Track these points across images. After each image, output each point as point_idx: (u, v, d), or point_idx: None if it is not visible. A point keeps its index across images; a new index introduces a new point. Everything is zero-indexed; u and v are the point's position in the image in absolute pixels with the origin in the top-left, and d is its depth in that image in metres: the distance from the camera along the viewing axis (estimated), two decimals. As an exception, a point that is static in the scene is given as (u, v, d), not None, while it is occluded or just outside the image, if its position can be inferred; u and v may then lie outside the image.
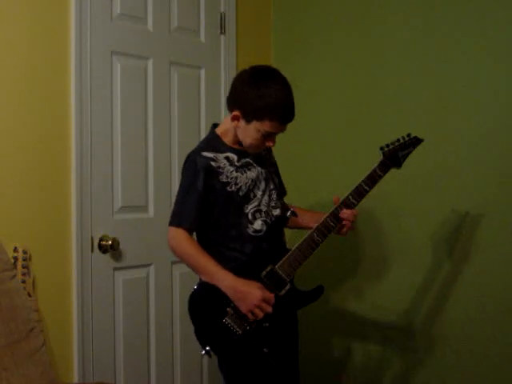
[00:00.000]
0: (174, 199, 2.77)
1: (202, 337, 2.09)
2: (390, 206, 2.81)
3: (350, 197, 2.10)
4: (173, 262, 2.80)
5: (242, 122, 2.08)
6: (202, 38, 2.98)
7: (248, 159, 2.18)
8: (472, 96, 2.60)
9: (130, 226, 2.66)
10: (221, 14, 3.05)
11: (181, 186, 2.15)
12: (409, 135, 2.14)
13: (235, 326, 2.04)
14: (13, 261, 2.17)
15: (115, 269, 2.61)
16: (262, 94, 2.04)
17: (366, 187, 2.10)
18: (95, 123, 2.53)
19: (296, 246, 2.10)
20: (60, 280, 2.42)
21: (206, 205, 2.10)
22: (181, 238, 2.08)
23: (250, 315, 2.02)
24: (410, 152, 2.15)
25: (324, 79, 3.09)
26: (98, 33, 2.54)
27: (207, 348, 2.06)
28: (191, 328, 2.76)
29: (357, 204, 2.11)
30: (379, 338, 2.91)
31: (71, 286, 2.45)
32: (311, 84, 3.12)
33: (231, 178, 2.12)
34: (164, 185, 2.80)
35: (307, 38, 3.15)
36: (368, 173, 2.10)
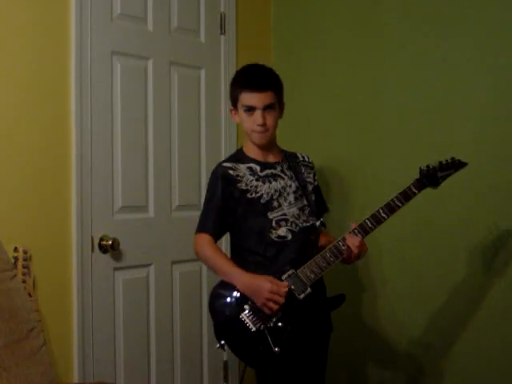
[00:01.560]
0: (174, 199, 2.83)
1: (219, 330, 2.14)
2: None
3: (381, 211, 2.11)
4: (173, 262, 2.80)
5: (237, 115, 2.22)
6: (202, 38, 2.98)
7: (275, 171, 2.24)
8: (472, 95, 2.59)
9: (130, 225, 2.66)
10: (221, 14, 3.05)
11: (206, 194, 2.27)
12: (453, 158, 2.16)
13: (250, 323, 2.08)
14: (13, 261, 2.16)
15: (115, 269, 2.61)
16: (234, 77, 2.27)
17: (398, 203, 2.12)
18: (95, 123, 2.53)
19: (320, 253, 2.12)
20: (60, 280, 2.42)
21: (228, 212, 2.20)
22: (203, 242, 2.19)
23: (265, 309, 2.06)
24: (450, 174, 2.16)
25: (324, 79, 3.09)
26: (98, 33, 2.54)
27: (222, 342, 2.11)
28: (191, 327, 2.77)
29: (387, 218, 2.12)
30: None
31: (71, 286, 2.45)
32: (311, 84, 3.12)
33: (251, 186, 2.19)
34: (164, 185, 2.80)
35: (307, 38, 3.15)
36: (402, 190, 2.13)
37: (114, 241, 2.55)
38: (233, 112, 2.26)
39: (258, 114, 2.15)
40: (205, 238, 2.19)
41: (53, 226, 2.40)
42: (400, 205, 2.11)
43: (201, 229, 2.21)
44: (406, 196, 2.12)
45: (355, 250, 2.10)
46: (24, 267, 2.22)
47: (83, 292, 2.47)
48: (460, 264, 2.65)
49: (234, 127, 3.04)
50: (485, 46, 2.56)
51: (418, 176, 2.15)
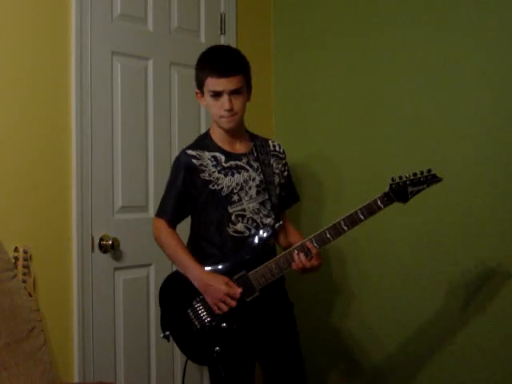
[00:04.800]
0: (174, 199, 2.82)
1: (165, 321, 2.19)
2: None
3: (342, 222, 2.02)
4: (173, 262, 2.80)
5: (203, 98, 2.17)
6: (202, 38, 2.98)
7: (240, 163, 2.19)
8: (472, 95, 2.59)
9: (130, 225, 2.67)
10: (221, 14, 3.05)
11: (167, 180, 2.25)
12: (429, 171, 2.02)
13: (195, 320, 2.11)
14: (13, 261, 2.17)
15: (115, 269, 2.61)
16: (199, 61, 2.19)
17: (361, 216, 2.01)
18: (95, 123, 2.53)
19: (274, 258, 2.09)
20: (60, 280, 2.42)
21: (189, 200, 2.19)
22: (161, 228, 2.19)
23: (215, 308, 2.07)
24: (422, 189, 2.02)
25: (324, 79, 3.09)
26: (99, 33, 2.54)
27: (167, 333, 2.16)
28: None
29: (347, 231, 2.02)
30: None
31: (72, 286, 2.45)
32: (311, 84, 3.12)
33: (213, 178, 2.16)
34: (164, 185, 2.79)
35: (307, 38, 3.15)
36: (367, 202, 2.01)
37: (114, 241, 2.56)
38: (199, 95, 2.19)
39: (224, 98, 2.08)
40: (162, 225, 2.18)
41: (53, 226, 2.41)
42: (363, 218, 2.01)
43: (159, 214, 2.21)
44: (370, 210, 2.01)
45: (307, 265, 2.05)
46: (24, 267, 2.22)
47: (83, 292, 2.47)
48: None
49: (234, 127, 3.04)
50: (485, 46, 2.56)
51: (393, 180, 2.02)
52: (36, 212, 2.35)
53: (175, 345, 2.78)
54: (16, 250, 2.23)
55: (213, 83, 2.09)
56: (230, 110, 2.10)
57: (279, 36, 3.27)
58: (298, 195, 2.37)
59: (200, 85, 2.16)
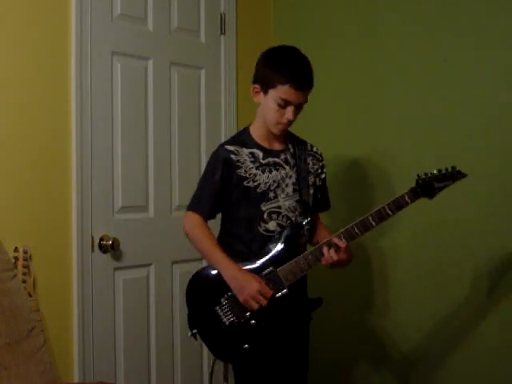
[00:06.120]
0: (174, 199, 2.82)
1: (192, 319, 2.16)
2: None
3: (370, 218, 2.03)
4: (173, 262, 2.80)
5: (262, 96, 2.13)
6: (202, 38, 2.98)
7: (278, 159, 2.18)
8: (473, 96, 2.59)
9: (130, 225, 2.67)
10: (221, 14, 3.05)
11: (203, 174, 2.22)
12: (453, 168, 2.03)
13: (223, 317, 2.09)
14: (13, 261, 2.16)
15: (115, 269, 2.61)
16: (276, 61, 2.13)
17: (388, 211, 2.02)
18: (95, 123, 2.53)
19: (303, 254, 2.09)
20: (60, 280, 2.42)
21: (223, 196, 2.16)
22: (194, 223, 2.15)
23: (246, 305, 2.06)
24: (448, 185, 2.03)
25: (324, 79, 3.08)
26: (99, 33, 2.54)
27: (194, 331, 2.14)
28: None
29: (375, 226, 2.04)
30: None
31: (72, 286, 2.45)
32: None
33: (250, 174, 2.14)
34: (164, 185, 2.81)
35: (307, 38, 3.15)
36: (395, 197, 2.03)
37: (114, 241, 2.55)
38: (256, 90, 2.15)
39: (291, 109, 2.08)
40: (197, 219, 2.14)
41: (53, 225, 2.40)
42: (391, 213, 2.03)
43: (194, 208, 2.16)
44: (397, 205, 2.03)
45: (335, 259, 2.04)
46: (24, 267, 2.22)
47: (83, 292, 2.47)
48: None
49: (234, 127, 3.04)
50: (485, 46, 2.56)
51: (419, 177, 2.03)
52: (36, 212, 2.35)
53: (175, 345, 2.82)
54: (16, 250, 2.23)
55: (288, 93, 2.06)
56: (292, 120, 2.12)
57: (279, 36, 3.27)
58: (329, 203, 2.36)
59: (267, 84, 2.10)
